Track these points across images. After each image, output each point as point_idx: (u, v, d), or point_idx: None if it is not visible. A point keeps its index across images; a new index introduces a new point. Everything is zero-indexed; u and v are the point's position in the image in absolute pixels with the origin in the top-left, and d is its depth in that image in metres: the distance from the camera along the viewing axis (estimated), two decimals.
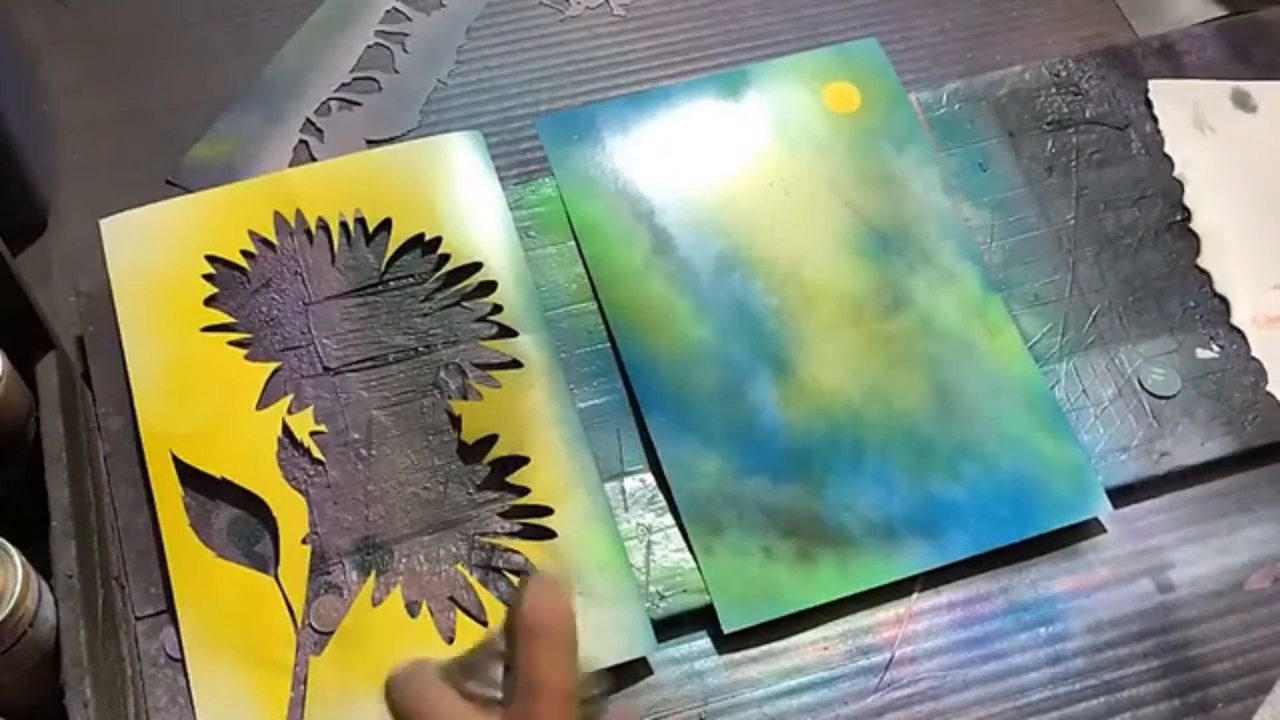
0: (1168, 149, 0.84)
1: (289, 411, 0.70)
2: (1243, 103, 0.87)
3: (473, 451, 0.70)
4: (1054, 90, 0.87)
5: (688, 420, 0.72)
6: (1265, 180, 0.84)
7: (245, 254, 0.74)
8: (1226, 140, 0.85)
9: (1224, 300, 0.79)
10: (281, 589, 0.66)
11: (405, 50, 0.88)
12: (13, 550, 0.56)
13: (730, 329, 0.74)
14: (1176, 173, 0.84)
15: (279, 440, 0.69)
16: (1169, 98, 0.87)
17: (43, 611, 0.58)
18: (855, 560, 0.69)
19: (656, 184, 0.79)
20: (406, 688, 0.43)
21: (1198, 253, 0.81)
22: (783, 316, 0.76)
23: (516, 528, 0.68)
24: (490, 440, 0.70)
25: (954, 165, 0.83)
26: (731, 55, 0.89)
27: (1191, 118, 0.86)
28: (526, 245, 0.77)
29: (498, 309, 0.74)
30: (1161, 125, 0.86)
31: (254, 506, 0.67)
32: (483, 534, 0.68)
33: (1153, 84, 0.87)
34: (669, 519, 0.70)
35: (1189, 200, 0.83)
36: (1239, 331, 0.78)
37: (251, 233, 0.75)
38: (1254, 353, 0.78)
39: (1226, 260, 0.81)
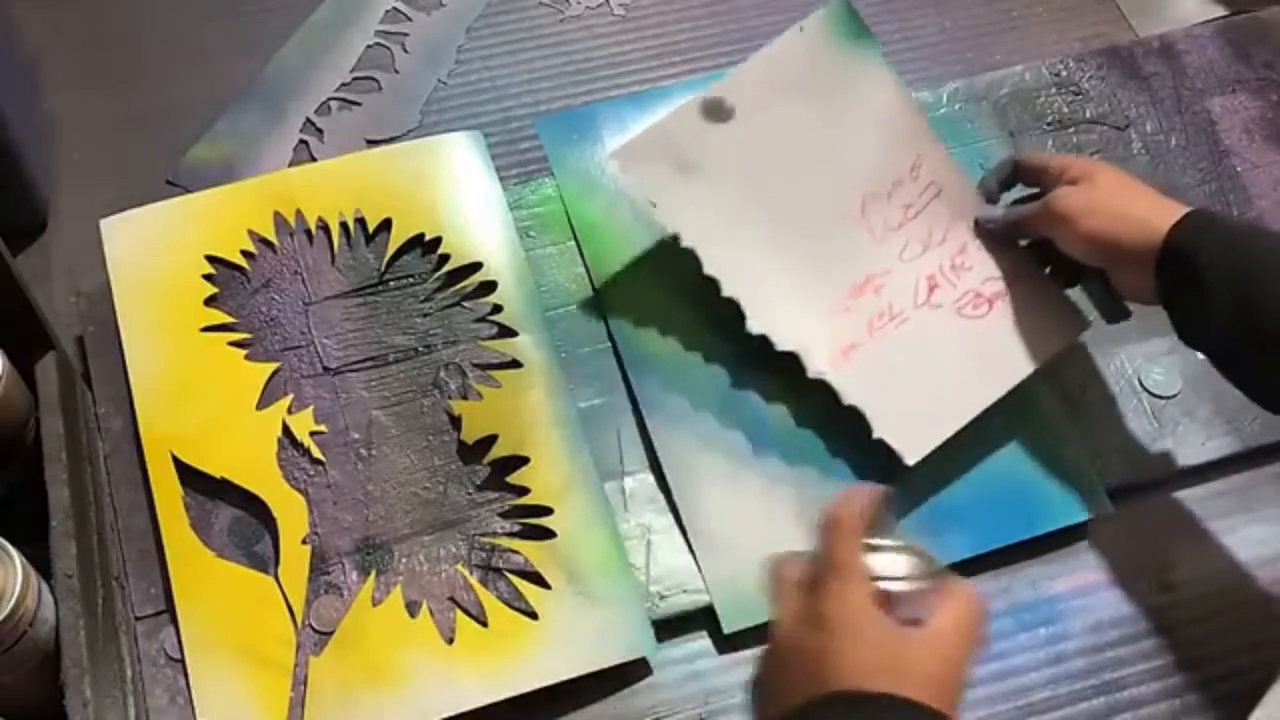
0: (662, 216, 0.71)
1: (289, 411, 0.70)
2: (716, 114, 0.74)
3: (473, 451, 0.70)
4: (1054, 90, 0.87)
5: (688, 420, 0.72)
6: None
7: (245, 254, 0.74)
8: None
9: None
10: (281, 589, 0.66)
11: (405, 50, 0.88)
12: (13, 550, 0.56)
13: (731, 329, 0.74)
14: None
15: (279, 440, 0.69)
16: (639, 157, 0.72)
17: (43, 611, 0.58)
18: None
19: None
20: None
21: None
22: None
23: (516, 528, 0.68)
24: (490, 440, 0.70)
25: None
26: (731, 55, 0.89)
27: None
28: (526, 245, 0.77)
29: (498, 309, 0.74)
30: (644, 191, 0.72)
31: (254, 506, 0.67)
32: (483, 534, 0.68)
33: (611, 151, 0.73)
34: (669, 519, 0.70)
35: None
36: None
37: (251, 233, 0.75)
38: None
39: None
